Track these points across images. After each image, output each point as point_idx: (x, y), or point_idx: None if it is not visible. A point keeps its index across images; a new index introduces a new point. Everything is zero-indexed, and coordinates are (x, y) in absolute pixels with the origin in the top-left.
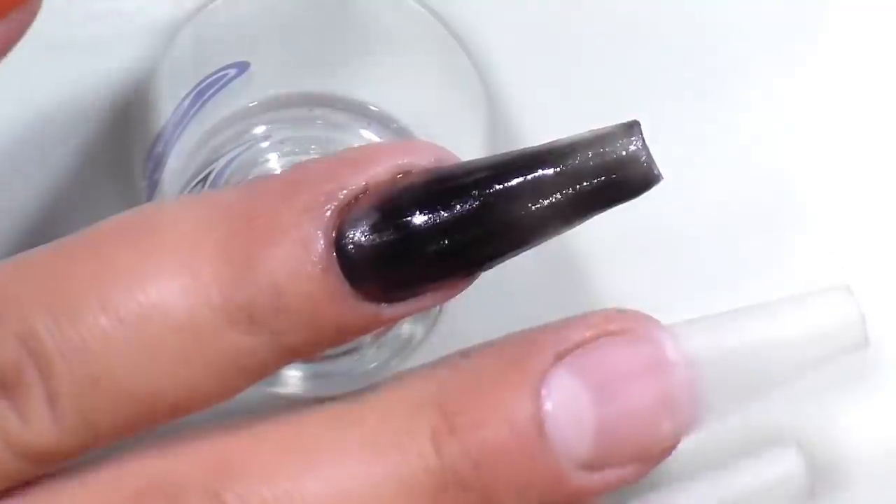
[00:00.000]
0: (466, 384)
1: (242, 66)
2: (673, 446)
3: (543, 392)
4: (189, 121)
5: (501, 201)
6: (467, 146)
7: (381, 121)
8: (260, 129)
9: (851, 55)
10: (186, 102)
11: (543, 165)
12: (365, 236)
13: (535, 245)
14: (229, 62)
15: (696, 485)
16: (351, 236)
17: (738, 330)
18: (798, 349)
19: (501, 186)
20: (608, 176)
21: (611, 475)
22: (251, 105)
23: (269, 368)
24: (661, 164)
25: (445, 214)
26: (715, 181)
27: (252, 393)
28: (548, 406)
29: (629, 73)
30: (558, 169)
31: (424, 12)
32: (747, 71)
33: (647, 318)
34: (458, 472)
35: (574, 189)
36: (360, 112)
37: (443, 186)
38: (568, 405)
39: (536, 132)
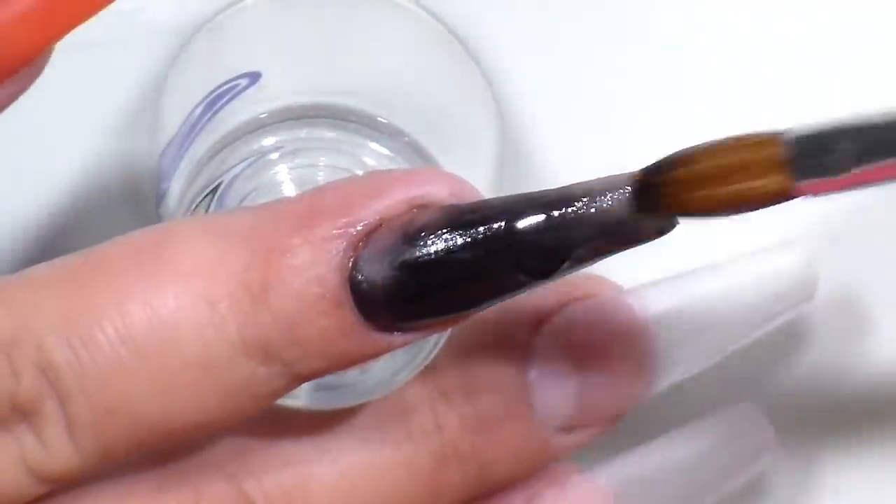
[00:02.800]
0: (459, 361)
1: (254, 77)
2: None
3: (528, 362)
4: (200, 130)
5: (515, 244)
6: (477, 159)
7: (391, 134)
8: (269, 141)
9: (850, 54)
10: (198, 111)
11: (558, 209)
12: (378, 273)
13: (548, 283)
14: (241, 72)
15: (657, 443)
16: (365, 272)
17: (700, 288)
18: (757, 304)
19: (516, 229)
20: (624, 222)
21: (584, 435)
22: (262, 116)
23: (280, 393)
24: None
25: (460, 256)
26: None
27: None
28: (532, 375)
29: (636, 74)
30: (574, 213)
31: (437, 24)
32: (754, 75)
33: (609, 282)
34: (458, 446)
35: (589, 233)
36: (370, 125)
37: (458, 227)
38: (550, 374)
39: (548, 142)
